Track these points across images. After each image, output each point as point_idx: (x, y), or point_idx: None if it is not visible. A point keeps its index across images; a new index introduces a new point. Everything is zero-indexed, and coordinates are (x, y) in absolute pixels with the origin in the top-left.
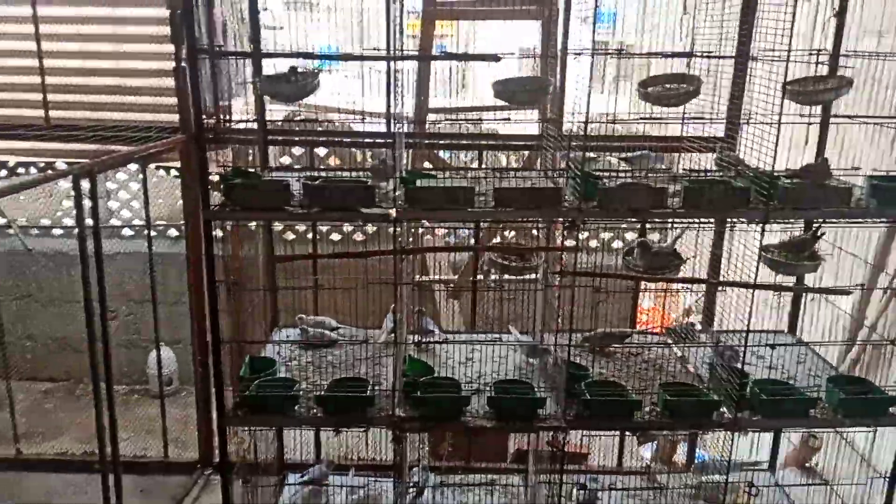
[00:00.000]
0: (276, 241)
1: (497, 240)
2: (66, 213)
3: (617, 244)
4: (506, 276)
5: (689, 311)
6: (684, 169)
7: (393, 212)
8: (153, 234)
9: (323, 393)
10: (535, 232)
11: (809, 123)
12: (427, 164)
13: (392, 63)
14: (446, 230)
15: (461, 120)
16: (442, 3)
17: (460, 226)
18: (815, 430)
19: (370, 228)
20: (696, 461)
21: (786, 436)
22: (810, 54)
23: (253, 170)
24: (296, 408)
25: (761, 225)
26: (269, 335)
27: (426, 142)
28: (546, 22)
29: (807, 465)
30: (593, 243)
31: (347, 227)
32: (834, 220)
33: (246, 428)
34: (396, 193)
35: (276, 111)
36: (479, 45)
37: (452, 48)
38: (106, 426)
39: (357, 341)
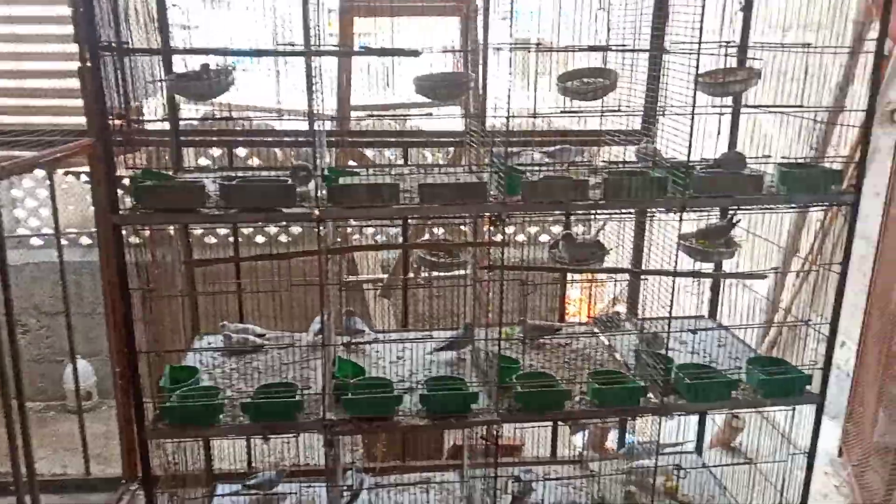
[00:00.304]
0: (197, 246)
1: (426, 237)
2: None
3: (544, 238)
4: (435, 273)
5: (615, 300)
6: (604, 161)
7: (315, 211)
8: (65, 242)
9: (248, 400)
10: (463, 228)
11: (721, 114)
12: (352, 162)
13: (310, 59)
14: (375, 229)
15: (385, 115)
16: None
17: (388, 224)
18: (737, 410)
19: (295, 230)
20: (625, 446)
21: (710, 418)
22: (719, 46)
23: (166, 171)
24: (221, 417)
25: (678, 213)
26: (190, 343)
27: (349, 140)
28: (464, 18)
29: (731, 445)
30: (521, 237)
31: (272, 230)
32: (747, 207)
33: (170, 440)
34: (319, 192)
35: (194, 111)
36: (402, 42)
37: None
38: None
39: (283, 345)
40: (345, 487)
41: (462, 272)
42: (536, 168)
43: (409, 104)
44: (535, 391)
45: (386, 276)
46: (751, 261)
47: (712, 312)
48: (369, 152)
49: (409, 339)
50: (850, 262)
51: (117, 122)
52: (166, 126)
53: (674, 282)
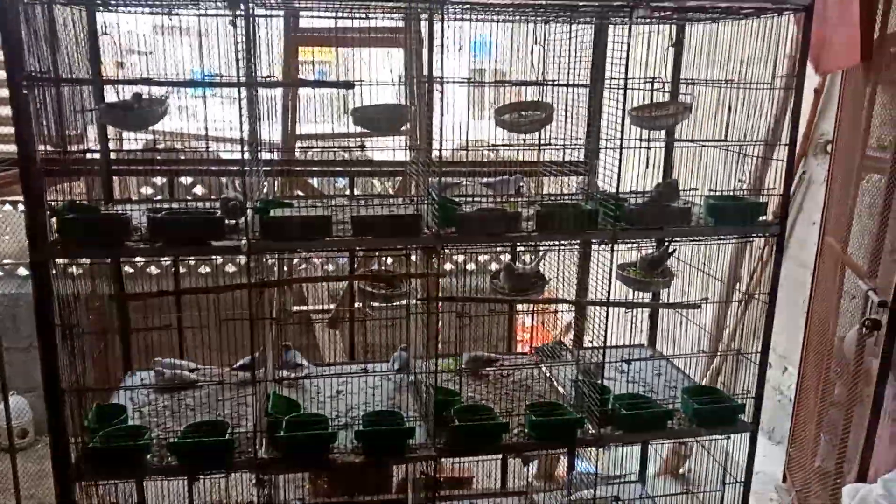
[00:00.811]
0: (139, 276)
1: (375, 266)
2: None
3: (494, 266)
4: (377, 304)
5: (567, 328)
6: (543, 193)
7: (243, 244)
8: (0, 273)
9: (176, 440)
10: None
11: (648, 147)
12: (299, 193)
13: (251, 90)
14: (322, 259)
15: (330, 147)
16: (304, 30)
17: (335, 253)
18: (673, 440)
19: (241, 259)
20: (569, 476)
21: (653, 447)
22: (645, 82)
23: (92, 203)
24: (147, 457)
25: (610, 245)
26: (121, 380)
27: (293, 169)
28: (409, 49)
29: (680, 472)
30: (470, 266)
31: (218, 259)
32: (678, 239)
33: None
34: (250, 225)
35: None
36: (359, 71)
37: (332, 74)
38: None
39: (216, 382)
40: None
41: (403, 302)
42: (472, 200)
43: (354, 134)
44: (473, 425)
45: (333, 306)
46: (699, 291)
47: (651, 341)
48: (316, 182)
49: (346, 374)
50: (778, 291)
51: (48, 149)
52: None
53: (607, 311)
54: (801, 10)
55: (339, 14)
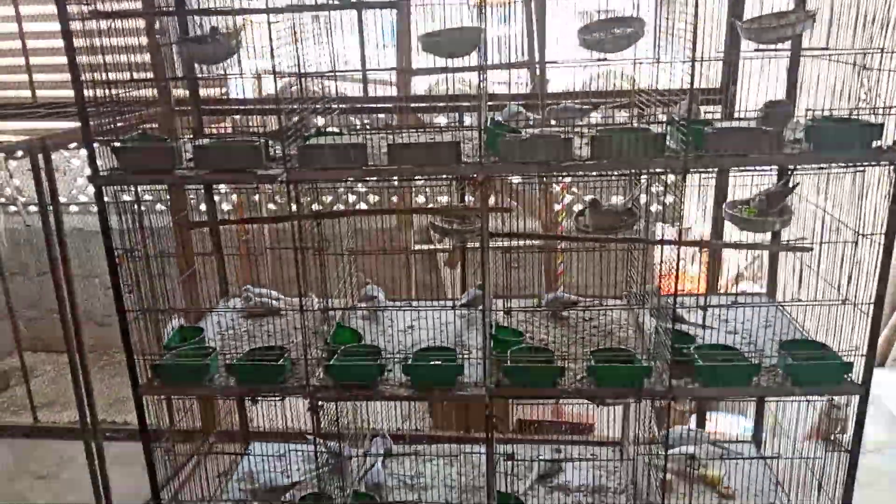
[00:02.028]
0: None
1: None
2: (80, 190)
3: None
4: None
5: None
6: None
7: (282, 172)
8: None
9: (234, 362)
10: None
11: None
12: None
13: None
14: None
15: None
16: None
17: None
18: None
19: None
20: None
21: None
22: None
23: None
24: (209, 378)
25: (682, 175)
26: (213, 305)
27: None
28: None
29: (832, 437)
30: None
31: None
32: (762, 168)
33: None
34: (287, 153)
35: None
36: None
37: None
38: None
39: (295, 310)
40: (325, 452)
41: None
42: (531, 129)
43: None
44: (523, 366)
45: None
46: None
47: (771, 291)
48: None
49: (419, 308)
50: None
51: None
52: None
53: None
54: None
55: None
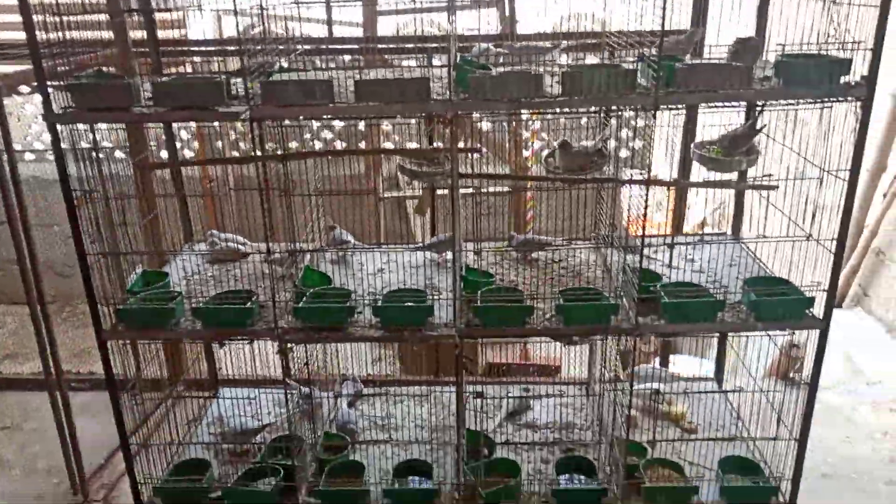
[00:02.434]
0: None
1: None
2: (35, 136)
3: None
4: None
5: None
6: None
7: (245, 109)
8: None
9: (200, 305)
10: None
11: None
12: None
13: None
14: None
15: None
16: None
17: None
18: (729, 331)
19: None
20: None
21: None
22: None
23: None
24: (174, 321)
25: (652, 112)
26: (177, 249)
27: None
28: None
29: (790, 375)
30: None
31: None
32: (730, 105)
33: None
34: (251, 90)
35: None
36: None
37: None
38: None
39: (261, 254)
40: (298, 394)
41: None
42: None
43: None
44: (493, 306)
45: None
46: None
47: (736, 230)
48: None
49: (388, 250)
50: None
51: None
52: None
53: (675, 192)
54: None
55: None
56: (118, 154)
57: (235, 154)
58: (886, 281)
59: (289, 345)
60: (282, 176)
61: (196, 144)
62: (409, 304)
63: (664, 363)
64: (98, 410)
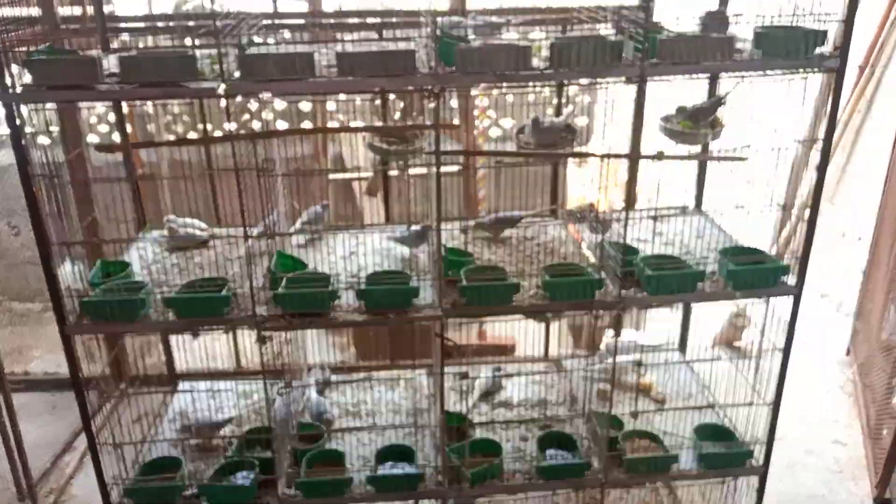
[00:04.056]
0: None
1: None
2: None
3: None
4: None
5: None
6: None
7: (221, 86)
8: None
9: (172, 295)
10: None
11: None
12: None
13: None
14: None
15: None
16: None
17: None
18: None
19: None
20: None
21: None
22: None
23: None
24: (143, 312)
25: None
26: (134, 237)
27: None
28: None
29: (735, 343)
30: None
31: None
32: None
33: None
34: (225, 65)
35: None
36: None
37: None
38: None
39: (225, 239)
40: (283, 385)
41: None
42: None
43: None
44: (480, 285)
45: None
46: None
47: (698, 202)
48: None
49: (361, 233)
50: (832, 140)
51: None
52: None
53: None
54: None
55: None
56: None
57: (170, 137)
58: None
59: (266, 333)
60: (252, 155)
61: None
62: (394, 286)
63: (617, 335)
64: (38, 412)
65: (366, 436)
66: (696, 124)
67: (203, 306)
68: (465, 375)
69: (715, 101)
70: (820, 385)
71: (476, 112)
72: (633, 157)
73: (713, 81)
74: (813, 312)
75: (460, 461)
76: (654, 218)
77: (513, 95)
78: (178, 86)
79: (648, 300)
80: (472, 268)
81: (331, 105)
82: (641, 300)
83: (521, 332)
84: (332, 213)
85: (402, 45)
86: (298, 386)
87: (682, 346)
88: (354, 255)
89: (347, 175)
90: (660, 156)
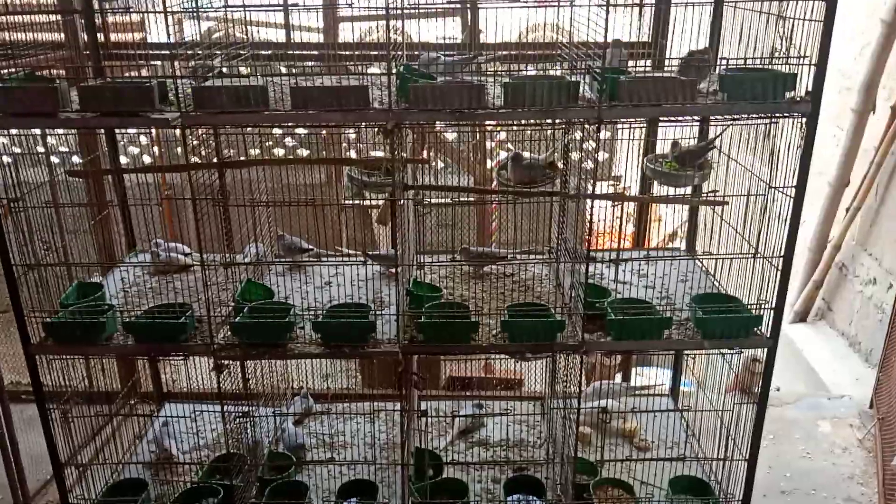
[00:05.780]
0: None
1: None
2: None
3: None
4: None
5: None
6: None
7: (175, 115)
8: None
9: (132, 320)
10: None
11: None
12: None
13: None
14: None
15: None
16: None
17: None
18: (675, 349)
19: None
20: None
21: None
22: None
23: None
24: (105, 336)
25: (596, 126)
26: (121, 259)
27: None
28: None
29: (751, 390)
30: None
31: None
32: (674, 120)
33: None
34: (181, 96)
35: None
36: None
37: None
38: None
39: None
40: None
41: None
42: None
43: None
44: (437, 322)
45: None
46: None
47: (690, 245)
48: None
49: (333, 263)
50: (806, 186)
51: None
52: None
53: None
54: None
55: None
56: (54, 160)
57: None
58: (850, 295)
59: (225, 361)
60: (232, 184)
61: (156, 150)
62: (349, 319)
63: (626, 377)
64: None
65: (336, 469)
66: (684, 166)
67: (161, 332)
68: (424, 413)
69: (704, 145)
70: (839, 439)
71: (492, 144)
72: (611, 198)
73: (704, 123)
74: (840, 362)
75: (422, 501)
76: (615, 261)
77: (531, 129)
78: (135, 115)
79: (612, 345)
80: (434, 304)
81: (351, 133)
82: (605, 344)
83: (528, 368)
84: (348, 239)
85: (354, 81)
86: (268, 415)
87: (674, 391)
88: (330, 285)
89: (363, 202)
90: (619, 197)
